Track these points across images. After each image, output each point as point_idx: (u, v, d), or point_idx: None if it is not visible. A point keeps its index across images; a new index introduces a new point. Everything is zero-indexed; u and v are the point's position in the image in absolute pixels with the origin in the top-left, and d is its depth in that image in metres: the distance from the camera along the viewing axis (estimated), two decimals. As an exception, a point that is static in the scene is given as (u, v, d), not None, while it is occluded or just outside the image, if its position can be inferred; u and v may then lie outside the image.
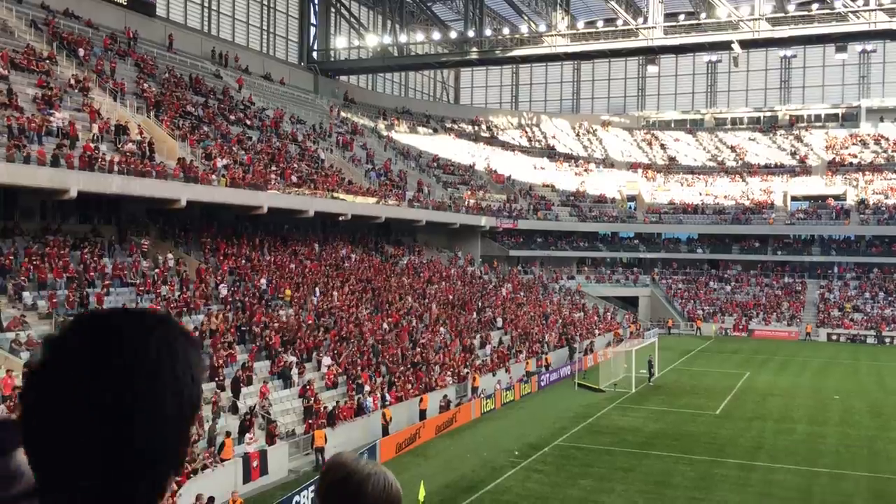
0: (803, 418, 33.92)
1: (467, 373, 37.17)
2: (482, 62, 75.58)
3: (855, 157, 76.61)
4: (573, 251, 71.39)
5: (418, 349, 37.49)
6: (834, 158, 77.21)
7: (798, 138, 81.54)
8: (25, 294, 27.34)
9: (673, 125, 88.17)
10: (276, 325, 32.98)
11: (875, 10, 54.54)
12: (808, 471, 25.95)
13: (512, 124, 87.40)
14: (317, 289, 38.97)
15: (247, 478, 23.33)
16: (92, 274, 30.25)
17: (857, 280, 67.96)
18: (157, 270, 32.88)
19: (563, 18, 66.34)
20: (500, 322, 48.18)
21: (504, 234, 66.07)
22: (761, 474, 25.53)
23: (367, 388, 31.31)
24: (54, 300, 27.27)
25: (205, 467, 21.86)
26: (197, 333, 29.38)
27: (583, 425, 32.25)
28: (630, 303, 69.44)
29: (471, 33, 68.32)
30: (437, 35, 70.90)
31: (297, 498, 21.48)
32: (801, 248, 70.24)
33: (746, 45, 61.10)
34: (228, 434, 24.12)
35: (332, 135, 58.82)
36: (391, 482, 1.53)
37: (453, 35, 70.38)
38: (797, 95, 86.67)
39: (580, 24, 68.06)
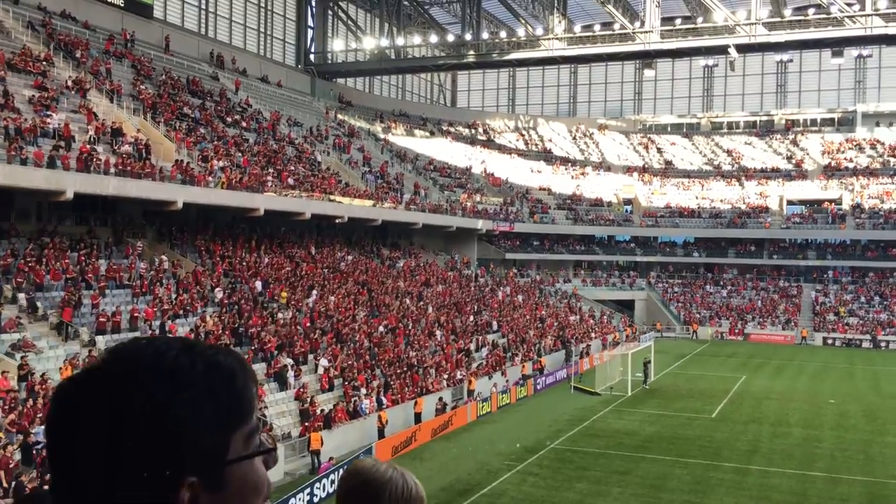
0: (799, 422, 33.96)
1: (463, 376, 37.16)
2: (479, 65, 75.68)
3: (851, 161, 76.80)
4: (569, 254, 71.41)
5: (414, 352, 37.47)
6: (830, 163, 77.38)
7: (794, 142, 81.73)
8: (21, 296, 27.28)
9: (669, 129, 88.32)
10: (271, 327, 32.94)
11: (871, 15, 54.69)
12: (804, 475, 25.98)
13: (509, 127, 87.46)
14: (313, 291, 38.94)
15: (242, 480, 23.23)
16: (89, 276, 30.20)
17: (852, 284, 68.09)
18: (152, 272, 32.84)
19: (559, 22, 66.40)
20: (496, 325, 48.17)
21: (500, 237, 66.10)
22: (757, 478, 25.54)
23: (363, 390, 31.28)
24: (72, 316, 27.31)
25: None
26: (192, 335, 29.36)
27: (579, 428, 32.25)
28: (626, 306, 69.49)
29: (468, 36, 68.38)
30: (434, 38, 70.93)
31: (292, 501, 21.44)
32: (797, 252, 70.37)
33: (743, 49, 61.21)
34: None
35: (329, 137, 58.82)
36: (410, 485, 1.53)
37: (450, 38, 70.45)
38: (793, 100, 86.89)
39: (577, 28, 68.15)
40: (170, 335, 1.24)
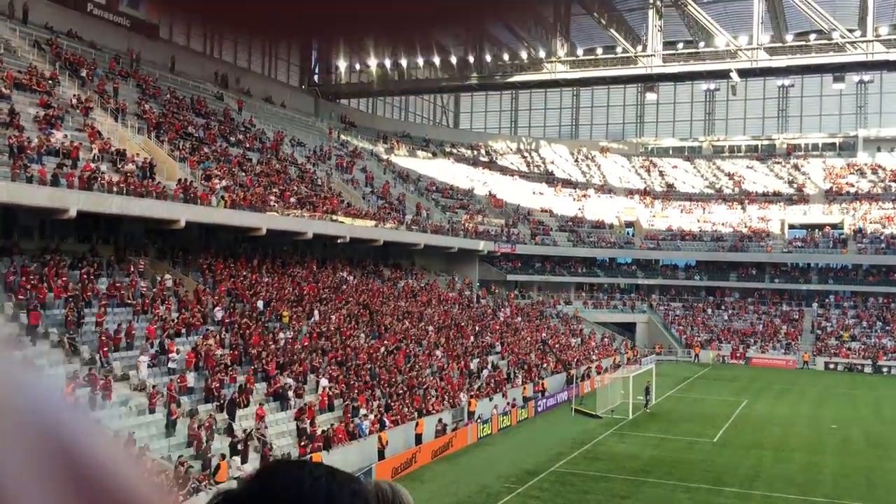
0: (801, 447, 33.79)
1: (465, 399, 37.01)
2: (482, 87, 76.08)
3: (852, 186, 76.96)
4: (571, 276, 71.39)
5: (415, 373, 37.36)
6: (831, 187, 77.54)
7: (795, 167, 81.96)
8: (22, 314, 27.23)
9: (671, 152, 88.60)
10: (272, 346, 32.88)
11: (872, 41, 55.07)
12: (806, 500, 25.81)
13: (511, 149, 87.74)
14: (315, 311, 38.89)
15: (241, 501, 23.09)
16: (89, 294, 30.19)
17: (854, 309, 67.98)
18: (154, 290, 32.84)
19: (562, 45, 66.83)
20: (498, 347, 48.06)
21: (502, 258, 66.08)
22: (759, 503, 25.38)
23: (363, 411, 31.16)
24: (81, 333, 27.24)
25: (198, 490, 21.70)
26: (194, 355, 29.31)
27: (579, 451, 32.10)
28: (628, 329, 69.34)
29: (471, 59, 68.80)
30: (437, 60, 71.38)
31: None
32: (799, 276, 70.34)
33: (744, 73, 61.55)
34: (224, 456, 23.99)
35: (332, 157, 59.03)
36: (393, 491, 1.56)
37: (454, 60, 70.88)
38: (795, 124, 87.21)
39: (580, 52, 68.62)
40: (305, 459, 1.24)
